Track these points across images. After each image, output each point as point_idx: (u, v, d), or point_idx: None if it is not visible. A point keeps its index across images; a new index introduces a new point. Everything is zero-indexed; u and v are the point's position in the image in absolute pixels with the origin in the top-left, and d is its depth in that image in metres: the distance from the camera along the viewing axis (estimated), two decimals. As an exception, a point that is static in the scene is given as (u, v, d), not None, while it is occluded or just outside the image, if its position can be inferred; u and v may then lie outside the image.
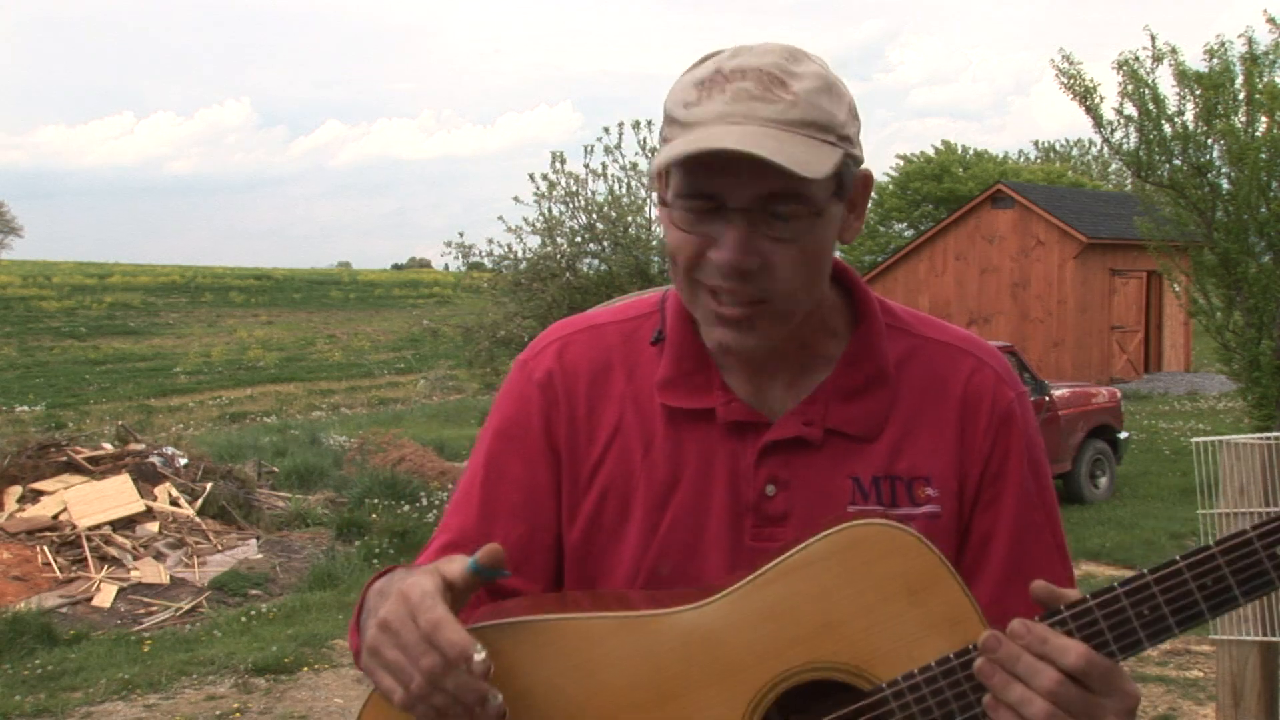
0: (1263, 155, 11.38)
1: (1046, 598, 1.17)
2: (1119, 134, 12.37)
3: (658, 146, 1.31)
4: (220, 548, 9.68)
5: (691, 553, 1.32)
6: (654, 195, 1.33)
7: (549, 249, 17.66)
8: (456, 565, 1.16)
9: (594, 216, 17.56)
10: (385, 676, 1.13)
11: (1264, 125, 11.70)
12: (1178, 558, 1.14)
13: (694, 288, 1.27)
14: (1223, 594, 1.13)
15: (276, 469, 13.13)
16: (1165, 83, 12.12)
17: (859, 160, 1.28)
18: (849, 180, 1.27)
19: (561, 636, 1.21)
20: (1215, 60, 11.86)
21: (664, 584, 1.32)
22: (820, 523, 1.23)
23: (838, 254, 1.41)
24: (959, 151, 48.76)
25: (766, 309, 1.25)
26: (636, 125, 16.67)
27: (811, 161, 1.18)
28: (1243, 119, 11.77)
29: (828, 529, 1.21)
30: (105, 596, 8.45)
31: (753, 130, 1.19)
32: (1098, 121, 12.45)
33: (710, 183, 1.21)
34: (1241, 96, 11.81)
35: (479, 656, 1.09)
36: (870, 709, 1.18)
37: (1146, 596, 1.14)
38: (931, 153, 47.69)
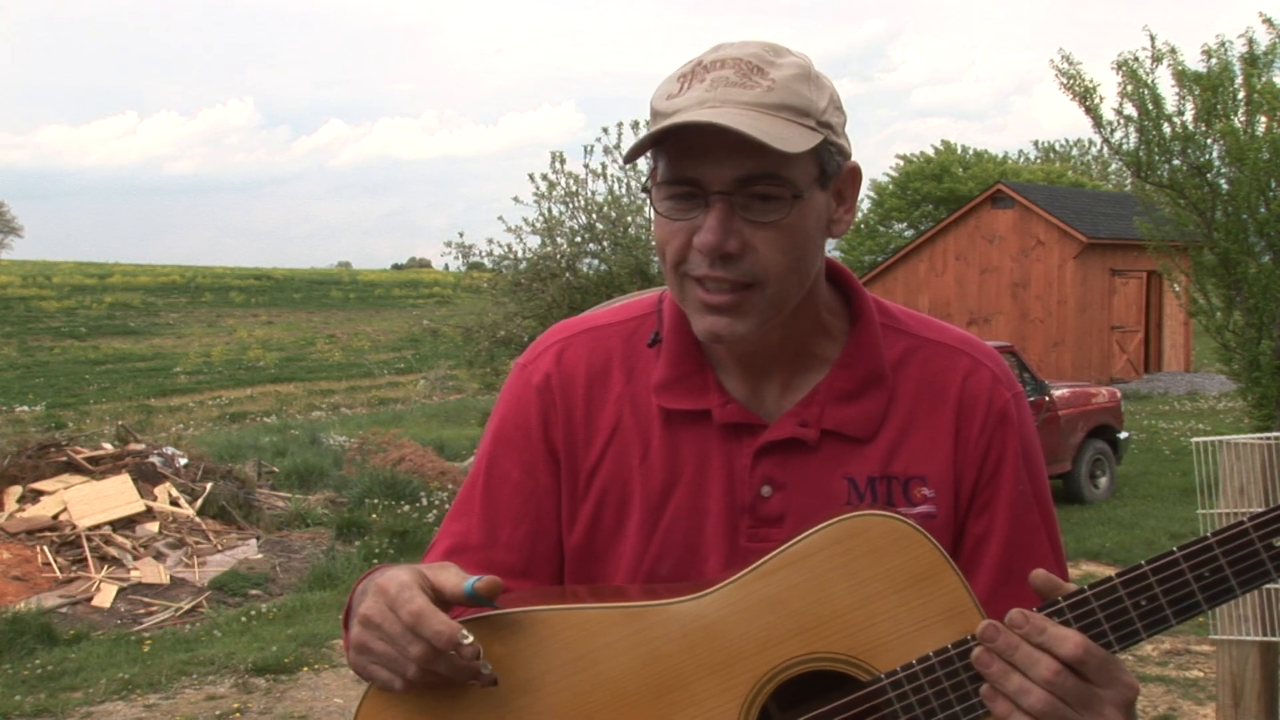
0: (1263, 155, 11.36)
1: (1046, 586, 1.18)
2: (1119, 134, 12.35)
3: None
4: (220, 548, 9.68)
5: (689, 554, 1.33)
6: (650, 200, 1.34)
7: (549, 249, 17.67)
8: (451, 578, 1.18)
9: (594, 216, 17.58)
10: (379, 670, 1.16)
11: (1264, 125, 11.70)
12: (1175, 549, 1.15)
13: (682, 281, 1.29)
14: (1219, 585, 1.14)
15: (276, 469, 13.13)
16: (1165, 83, 12.13)
17: (844, 151, 1.29)
18: (831, 168, 1.28)
19: (562, 628, 1.21)
20: (1214, 60, 11.85)
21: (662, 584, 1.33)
22: (815, 523, 1.23)
23: (835, 254, 1.42)
24: (959, 151, 48.75)
25: (755, 294, 1.26)
26: (636, 125, 16.69)
27: (788, 138, 1.20)
28: (1242, 119, 11.76)
29: (827, 521, 1.21)
30: (105, 596, 8.45)
31: (729, 111, 1.21)
32: (1097, 121, 12.44)
33: (690, 168, 1.24)
34: (1241, 97, 11.80)
35: (467, 641, 1.12)
36: (868, 699, 1.19)
37: (1144, 587, 1.15)
38: (931, 153, 47.69)
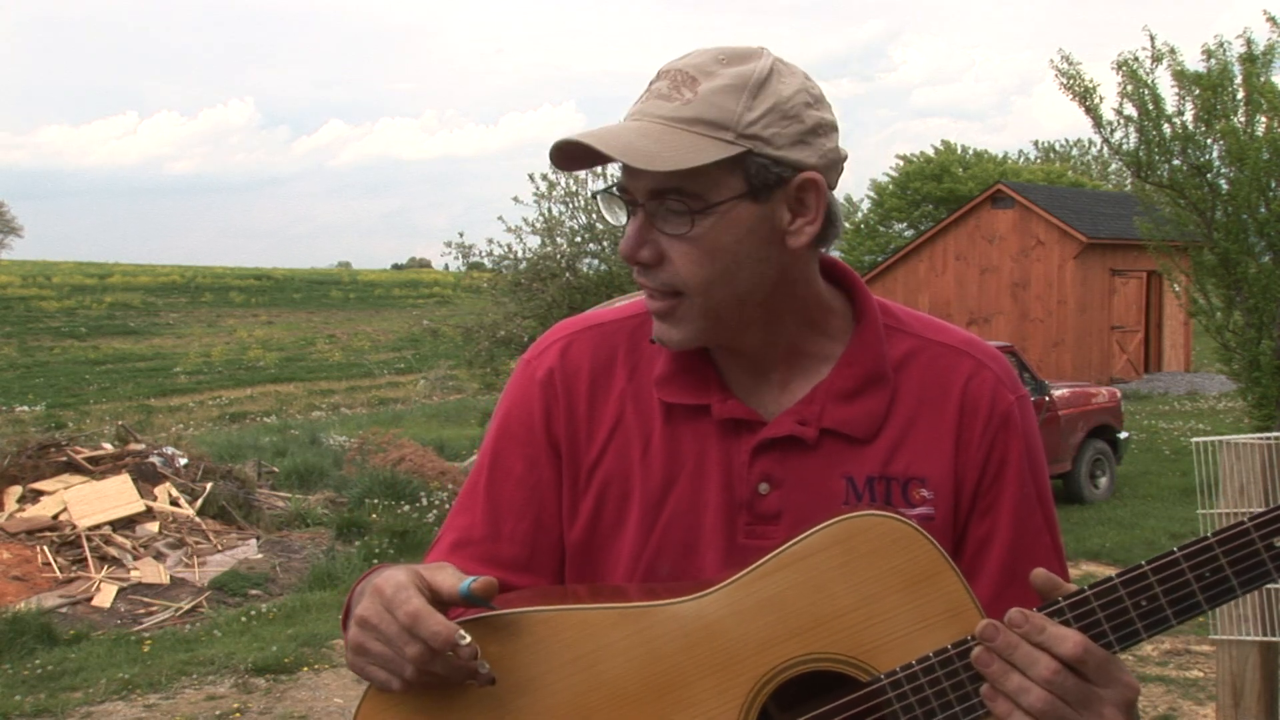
0: (1263, 155, 11.36)
1: (1046, 586, 1.18)
2: (1119, 134, 12.35)
3: None
4: (220, 548, 9.68)
5: (688, 550, 1.33)
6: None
7: (549, 249, 17.67)
8: (448, 578, 1.18)
9: (594, 216, 17.58)
10: (377, 670, 1.17)
11: (1263, 125, 11.69)
12: (1175, 549, 1.15)
13: (643, 287, 1.33)
14: (1220, 585, 1.14)
15: (276, 469, 13.13)
16: (1165, 83, 12.13)
17: (785, 162, 1.26)
18: (763, 180, 1.26)
19: (561, 628, 1.21)
20: (1214, 61, 11.85)
21: (661, 581, 1.33)
22: (812, 522, 1.23)
23: (836, 254, 1.42)
24: (959, 151, 48.75)
25: (683, 303, 1.29)
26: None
27: (672, 154, 1.21)
28: (1242, 119, 11.76)
29: (827, 521, 1.21)
30: (105, 596, 8.45)
31: (632, 125, 1.25)
32: (1097, 121, 12.43)
33: (624, 177, 1.28)
34: (1240, 96, 11.80)
35: (464, 642, 1.12)
36: (868, 700, 1.19)
37: (1144, 588, 1.15)
38: (931, 153, 47.69)
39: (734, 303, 1.29)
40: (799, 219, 1.30)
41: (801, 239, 1.30)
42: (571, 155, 1.29)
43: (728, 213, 1.26)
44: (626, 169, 1.26)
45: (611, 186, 1.32)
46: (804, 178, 1.28)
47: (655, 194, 1.25)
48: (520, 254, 18.02)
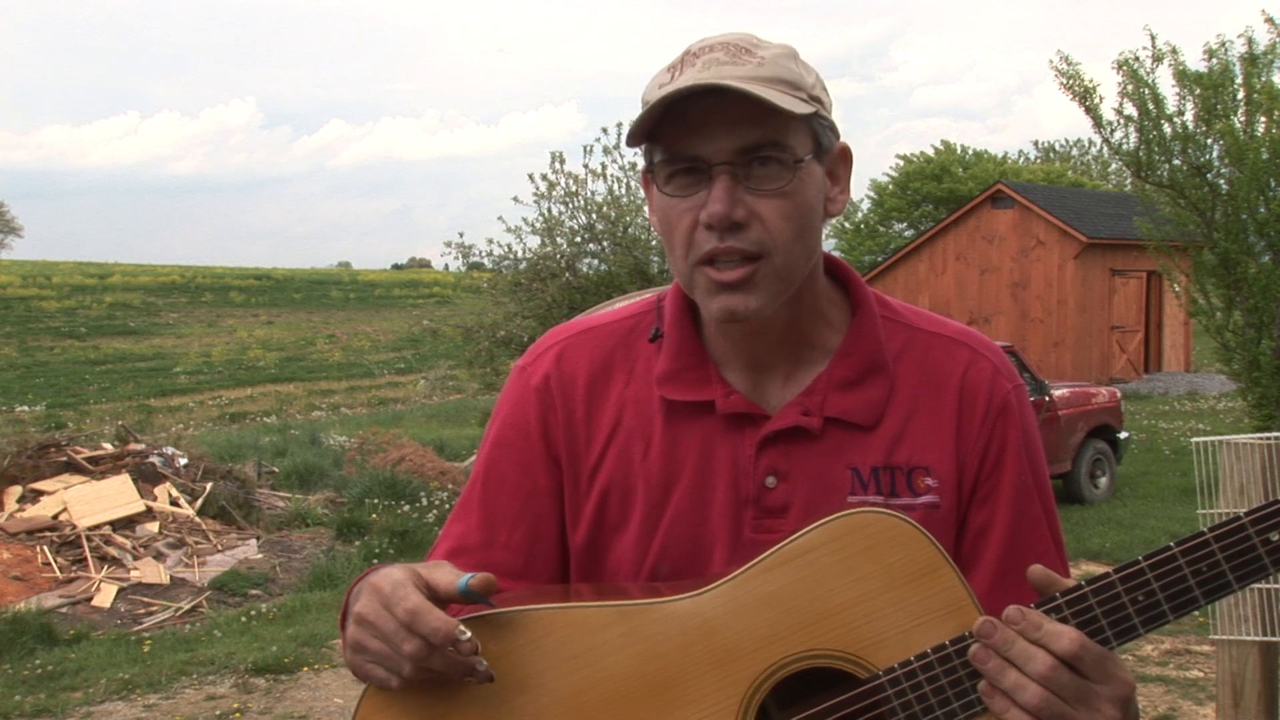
0: (1263, 155, 11.36)
1: (1043, 582, 1.18)
2: (1119, 134, 12.35)
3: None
4: (220, 548, 9.68)
5: (693, 548, 1.33)
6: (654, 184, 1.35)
7: (549, 249, 17.68)
8: (445, 575, 1.18)
9: (593, 216, 17.59)
10: (375, 668, 1.17)
11: (1263, 125, 11.69)
12: (1172, 545, 1.15)
13: (693, 271, 1.29)
14: (1217, 580, 1.14)
15: (276, 469, 13.13)
16: (1165, 83, 12.13)
17: (834, 129, 1.33)
18: (825, 142, 1.31)
19: (559, 626, 1.21)
20: (1214, 60, 11.85)
21: (666, 580, 1.33)
22: (819, 514, 1.23)
23: (836, 253, 1.43)
24: (959, 151, 48.74)
25: (764, 266, 1.27)
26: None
27: (787, 104, 1.23)
28: (1242, 119, 11.75)
29: (825, 517, 1.22)
30: (105, 596, 8.45)
31: (725, 79, 1.24)
32: (1097, 121, 12.43)
33: (691, 146, 1.25)
34: (1240, 96, 11.80)
35: (465, 637, 1.12)
36: (867, 696, 1.19)
37: (1141, 583, 1.15)
38: (931, 153, 47.68)
39: (801, 265, 1.31)
40: (835, 187, 1.35)
41: (837, 207, 1.34)
42: (648, 124, 1.27)
43: (809, 169, 1.29)
44: (697, 133, 1.24)
45: (669, 158, 1.29)
46: (842, 146, 1.34)
47: (747, 151, 1.25)
48: (520, 254, 18.05)
